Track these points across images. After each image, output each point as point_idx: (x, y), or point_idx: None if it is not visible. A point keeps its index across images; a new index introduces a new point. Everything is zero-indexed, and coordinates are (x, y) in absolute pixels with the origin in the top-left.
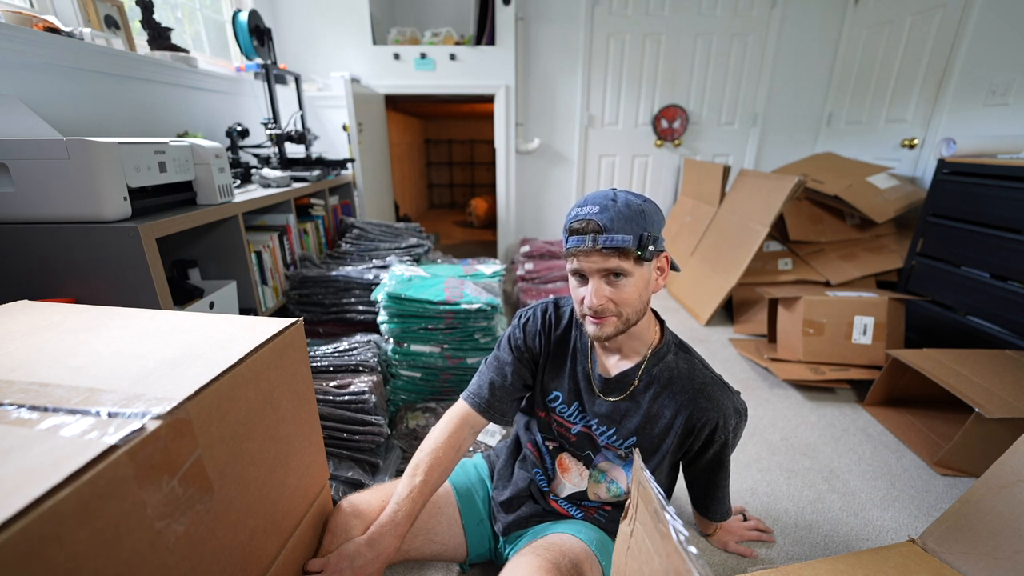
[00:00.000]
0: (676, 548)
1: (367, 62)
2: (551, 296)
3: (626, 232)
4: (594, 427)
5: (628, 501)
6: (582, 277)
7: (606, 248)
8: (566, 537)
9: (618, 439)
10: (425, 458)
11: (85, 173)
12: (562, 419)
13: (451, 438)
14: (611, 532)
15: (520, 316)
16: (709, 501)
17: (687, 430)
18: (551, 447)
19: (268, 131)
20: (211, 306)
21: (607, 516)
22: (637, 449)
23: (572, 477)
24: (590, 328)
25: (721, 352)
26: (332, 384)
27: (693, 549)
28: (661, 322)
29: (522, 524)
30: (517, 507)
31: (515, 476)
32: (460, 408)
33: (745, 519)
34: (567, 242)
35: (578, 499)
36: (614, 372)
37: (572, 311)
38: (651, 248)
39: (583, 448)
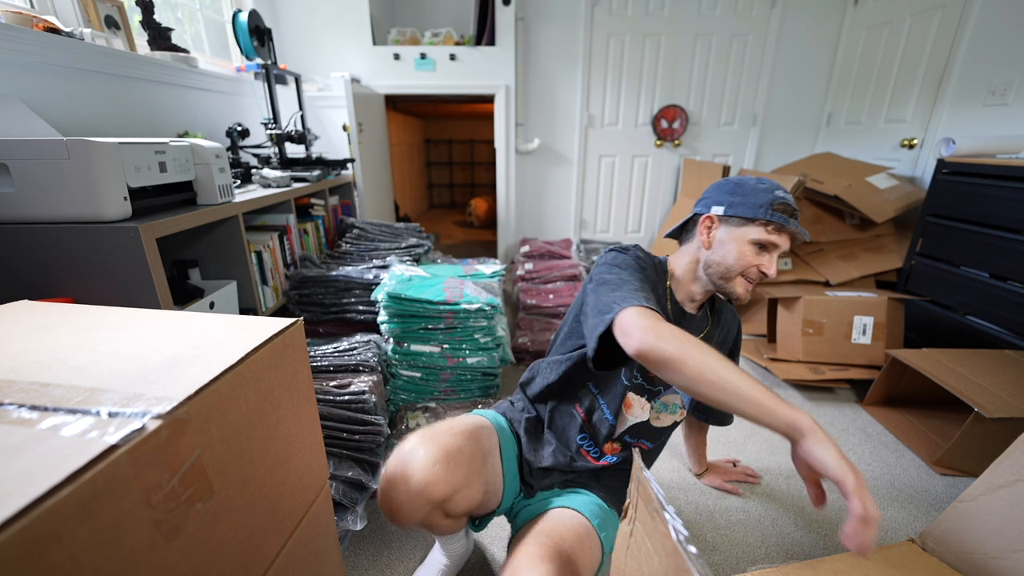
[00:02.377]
0: (676, 547)
1: (367, 62)
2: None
3: None
4: None
5: (627, 501)
6: (763, 247)
7: (799, 235)
8: (568, 514)
9: None
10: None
11: (85, 173)
12: None
13: None
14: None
15: (630, 249)
16: (722, 413)
17: (732, 343)
18: (621, 389)
19: (268, 131)
20: (211, 306)
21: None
22: (636, 450)
23: (635, 411)
24: (741, 290)
25: None
26: (332, 384)
27: (692, 548)
28: None
29: (548, 487)
30: (550, 475)
31: (553, 448)
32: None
33: (735, 466)
34: (775, 216)
35: (634, 433)
36: (691, 315)
37: (654, 260)
38: None
39: (656, 385)
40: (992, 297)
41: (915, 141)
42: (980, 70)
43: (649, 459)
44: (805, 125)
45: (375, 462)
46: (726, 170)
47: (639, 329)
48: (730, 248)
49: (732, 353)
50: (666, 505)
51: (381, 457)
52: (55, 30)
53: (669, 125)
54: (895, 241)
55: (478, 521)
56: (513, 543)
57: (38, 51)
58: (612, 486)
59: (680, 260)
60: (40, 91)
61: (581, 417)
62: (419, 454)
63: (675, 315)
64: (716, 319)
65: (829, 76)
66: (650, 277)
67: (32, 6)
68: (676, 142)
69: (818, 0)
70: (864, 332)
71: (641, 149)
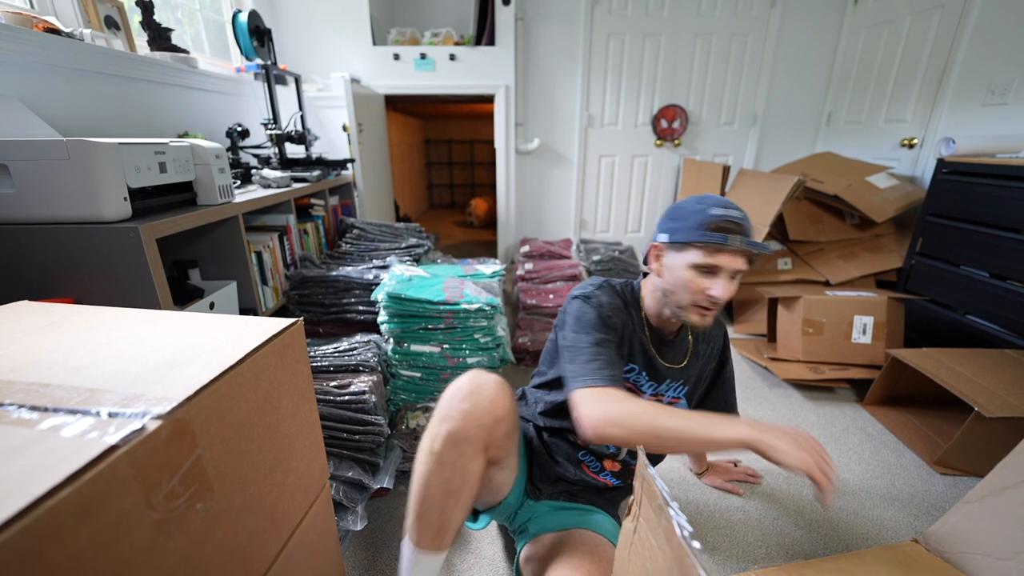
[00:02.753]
0: (680, 543)
1: (367, 62)
2: (596, 278)
3: (756, 239)
4: (663, 390)
5: (631, 498)
6: (708, 271)
7: (750, 251)
8: (597, 539)
9: (683, 388)
10: None
11: (85, 173)
12: (636, 388)
13: None
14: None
15: (592, 296)
16: (729, 407)
17: (720, 353)
18: None
19: (268, 131)
20: (211, 306)
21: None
22: (641, 447)
23: None
24: (696, 318)
25: None
26: (332, 384)
27: (697, 544)
28: None
29: (553, 496)
30: (558, 484)
31: (559, 461)
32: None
33: (736, 466)
34: (708, 236)
35: (630, 457)
36: (671, 339)
37: (626, 289)
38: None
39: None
40: (992, 297)
41: (915, 141)
42: (980, 70)
43: (655, 459)
44: (805, 125)
45: (375, 462)
46: (726, 170)
47: (587, 419)
48: (678, 275)
49: (722, 363)
50: (670, 501)
51: (381, 457)
52: (55, 30)
53: (669, 125)
54: (895, 241)
55: (480, 516)
56: (540, 561)
57: (38, 51)
58: (615, 498)
59: (647, 288)
60: (40, 91)
61: (579, 443)
62: (488, 377)
63: (655, 343)
64: (701, 335)
65: (829, 76)
66: (615, 323)
67: (32, 6)
68: (676, 142)
69: (818, 0)
70: (864, 332)
71: (641, 149)
